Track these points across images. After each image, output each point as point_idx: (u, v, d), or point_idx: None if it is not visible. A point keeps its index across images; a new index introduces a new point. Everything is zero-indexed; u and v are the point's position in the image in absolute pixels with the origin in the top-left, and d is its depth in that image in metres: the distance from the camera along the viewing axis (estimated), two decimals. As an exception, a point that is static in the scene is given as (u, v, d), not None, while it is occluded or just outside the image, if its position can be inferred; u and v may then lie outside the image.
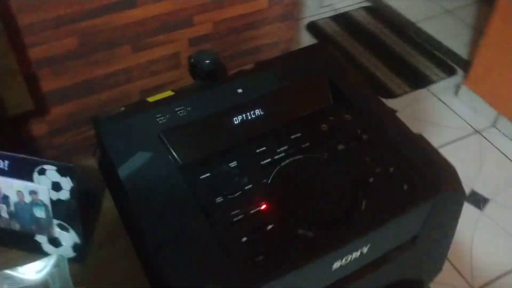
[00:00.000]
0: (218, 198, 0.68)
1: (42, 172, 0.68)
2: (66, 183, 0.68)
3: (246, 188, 0.69)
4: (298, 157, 0.73)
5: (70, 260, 0.73)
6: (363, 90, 0.84)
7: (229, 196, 0.68)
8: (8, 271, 0.71)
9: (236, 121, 0.78)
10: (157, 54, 0.91)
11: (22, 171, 0.69)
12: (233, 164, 0.72)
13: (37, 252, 0.74)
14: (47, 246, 0.73)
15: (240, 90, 0.80)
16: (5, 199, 0.71)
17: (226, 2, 0.92)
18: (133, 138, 0.74)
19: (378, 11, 2.38)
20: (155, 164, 0.71)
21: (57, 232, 0.72)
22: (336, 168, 0.73)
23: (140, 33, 0.88)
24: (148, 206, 0.68)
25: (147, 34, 0.88)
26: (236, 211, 0.67)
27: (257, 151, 0.74)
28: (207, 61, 0.85)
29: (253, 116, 0.79)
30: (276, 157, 0.73)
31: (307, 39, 2.11)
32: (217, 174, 0.71)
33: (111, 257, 0.75)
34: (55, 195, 0.69)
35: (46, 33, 0.78)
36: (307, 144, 0.75)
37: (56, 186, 0.68)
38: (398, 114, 1.75)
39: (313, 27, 2.21)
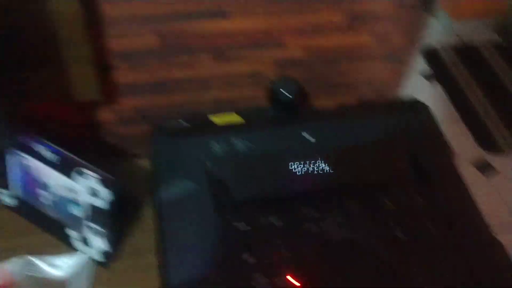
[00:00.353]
0: (245, 254, 0.62)
1: (81, 173, 0.66)
2: (105, 193, 0.66)
3: (279, 251, 0.63)
4: (350, 236, 0.65)
5: (95, 261, 0.72)
6: (451, 174, 0.73)
7: (258, 256, 0.62)
8: (32, 258, 0.71)
9: (293, 169, 0.71)
10: (238, 69, 0.87)
11: (65, 167, 0.68)
12: (274, 219, 0.65)
13: (67, 245, 0.73)
14: (76, 242, 0.73)
15: (309, 135, 0.73)
16: (45, 186, 0.71)
17: (325, 30, 0.84)
18: (181, 161, 0.70)
19: (509, 52, 2.14)
20: (194, 196, 0.67)
21: (88, 233, 0.71)
22: (394, 268, 0.64)
23: (225, 45, 0.83)
24: (175, 240, 0.65)
25: (232, 47, 0.83)
26: (260, 276, 0.61)
27: (306, 212, 0.67)
28: (287, 93, 0.78)
29: (314, 169, 0.72)
30: (323, 226, 0.66)
31: (420, 66, 1.95)
32: (253, 226, 0.65)
33: (136, 268, 0.73)
34: (91, 200, 0.67)
35: (129, 27, 0.76)
36: (364, 220, 0.67)
37: (94, 193, 0.67)
38: (499, 176, 1.58)
39: (430, 53, 2.04)
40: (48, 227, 0.75)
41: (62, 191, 0.70)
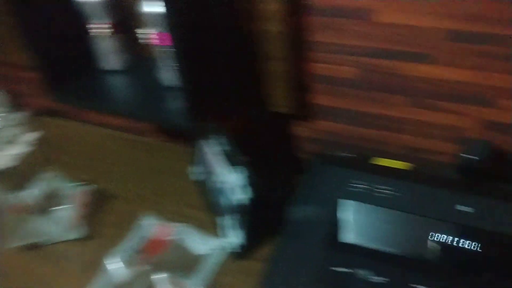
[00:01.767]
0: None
1: (237, 168, 0.74)
2: (248, 191, 0.73)
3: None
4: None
5: (233, 252, 0.79)
6: None
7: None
8: (191, 230, 0.83)
9: (432, 237, 0.63)
10: (436, 119, 0.80)
11: (230, 160, 0.77)
12: (379, 279, 0.60)
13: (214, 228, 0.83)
14: (221, 230, 0.82)
15: (465, 207, 0.64)
16: (215, 173, 0.82)
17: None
18: (321, 188, 0.71)
19: None
20: (317, 225, 0.68)
21: (230, 224, 0.79)
22: None
23: (423, 91, 0.78)
24: (280, 258, 0.67)
25: (431, 95, 0.77)
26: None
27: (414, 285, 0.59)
28: (475, 158, 0.70)
29: (454, 246, 0.62)
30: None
31: None
32: (353, 277, 0.61)
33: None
34: (238, 195, 0.75)
35: (330, 55, 0.80)
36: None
37: (241, 189, 0.74)
38: None
39: None
40: (212, 209, 0.86)
41: (221, 181, 0.80)
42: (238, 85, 0.88)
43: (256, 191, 0.71)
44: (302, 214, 0.70)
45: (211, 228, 0.84)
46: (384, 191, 0.67)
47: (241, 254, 0.78)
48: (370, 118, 0.86)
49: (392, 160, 0.76)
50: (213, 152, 0.83)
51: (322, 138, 0.92)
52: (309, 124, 0.92)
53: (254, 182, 0.70)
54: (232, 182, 0.75)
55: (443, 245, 0.63)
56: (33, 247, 0.86)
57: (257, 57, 0.83)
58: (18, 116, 1.19)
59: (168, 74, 0.86)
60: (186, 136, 1.02)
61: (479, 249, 0.62)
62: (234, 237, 0.78)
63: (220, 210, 0.82)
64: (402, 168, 0.73)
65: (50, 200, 0.93)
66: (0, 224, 0.89)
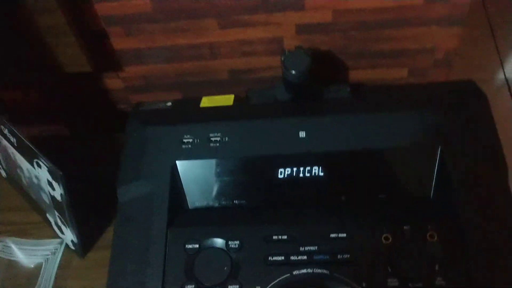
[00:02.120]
0: (189, 286, 0.52)
1: (38, 165, 0.60)
2: (57, 187, 0.60)
3: (229, 287, 0.51)
4: (322, 271, 0.51)
5: (71, 250, 0.68)
6: (498, 197, 0.53)
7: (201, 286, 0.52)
8: (10, 241, 0.69)
9: (279, 175, 0.57)
10: (251, 35, 0.71)
11: (26, 154, 0.62)
12: (233, 243, 0.53)
13: (50, 228, 0.70)
14: (55, 228, 0.69)
15: (304, 134, 0.58)
16: (21, 169, 0.67)
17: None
18: (148, 154, 0.60)
19: None
20: (153, 200, 0.58)
21: (59, 222, 0.66)
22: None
23: (231, 8, 0.68)
24: (121, 246, 0.57)
25: (241, 11, 0.68)
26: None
27: (275, 237, 0.53)
28: (295, 70, 0.62)
29: (304, 178, 0.57)
30: (293, 258, 0.52)
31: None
32: (207, 249, 0.54)
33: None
34: (51, 192, 0.62)
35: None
36: (347, 256, 0.51)
37: (51, 185, 0.61)
38: None
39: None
40: (35, 208, 0.72)
41: (31, 177, 0.65)
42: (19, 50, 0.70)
43: (70, 183, 0.58)
44: (134, 189, 0.59)
45: (43, 229, 0.70)
46: (218, 138, 0.58)
47: (80, 249, 0.66)
48: (182, 50, 0.74)
49: (217, 97, 0.67)
50: (7, 145, 0.66)
51: (138, 85, 0.80)
52: (119, 74, 0.78)
53: (60, 176, 0.57)
54: (40, 177, 0.61)
55: (293, 180, 0.57)
56: None
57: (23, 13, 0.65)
58: None
59: None
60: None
61: (325, 174, 0.57)
62: (67, 234, 0.66)
63: (43, 207, 0.68)
64: (230, 104, 0.65)
65: None
66: None
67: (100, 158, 0.78)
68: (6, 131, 0.64)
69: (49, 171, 0.59)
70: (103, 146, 0.80)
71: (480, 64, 1.07)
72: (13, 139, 0.63)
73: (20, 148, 0.63)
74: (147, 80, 0.80)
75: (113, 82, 0.80)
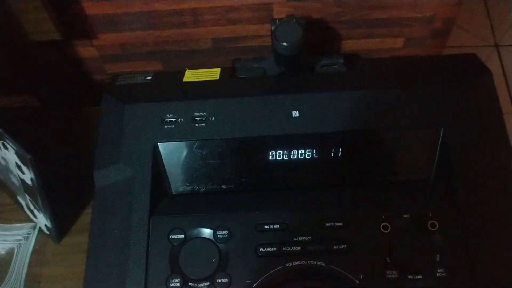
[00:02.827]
0: (174, 280, 0.48)
1: (5, 146, 0.55)
2: (27, 171, 0.55)
3: (217, 281, 0.48)
4: (317, 263, 0.48)
5: (47, 236, 0.63)
6: (501, 180, 0.50)
7: (189, 284, 0.48)
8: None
9: (269, 157, 0.53)
10: (238, 1, 0.66)
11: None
12: (222, 233, 0.50)
13: (23, 211, 0.65)
14: (27, 211, 0.64)
15: (297, 113, 0.54)
16: (-14, 150, 0.62)
17: None
18: (127, 135, 0.55)
19: None
20: (133, 186, 0.53)
21: (32, 205, 0.61)
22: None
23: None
24: (99, 235, 0.52)
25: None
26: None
27: (267, 226, 0.50)
28: (285, 44, 0.57)
29: (297, 161, 0.53)
30: (286, 249, 0.49)
31: None
32: (193, 240, 0.50)
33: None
34: (20, 175, 0.57)
35: None
36: (343, 247, 0.48)
37: (20, 168, 0.56)
38: None
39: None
40: (4, 189, 0.67)
41: (1, 157, 0.60)
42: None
43: (41, 165, 0.53)
44: (112, 173, 0.54)
45: (14, 212, 0.65)
46: (204, 118, 0.54)
47: (55, 234, 0.62)
48: (162, 16, 0.68)
49: (202, 70, 0.62)
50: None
51: (114, 54, 0.74)
52: (92, 42, 0.72)
53: (29, 159, 0.52)
54: (9, 159, 0.56)
55: (285, 162, 0.53)
56: None
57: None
58: None
59: None
60: None
61: (320, 156, 0.54)
62: (40, 218, 0.62)
63: (14, 190, 0.63)
64: (216, 78, 0.60)
65: None
66: None
67: (74, 134, 0.72)
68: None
69: (17, 154, 0.53)
70: (78, 120, 0.75)
71: (470, 31, 1.03)
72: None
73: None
74: (123, 49, 0.74)
75: (86, 50, 0.74)
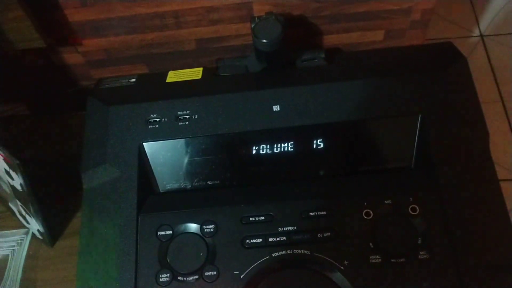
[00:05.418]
0: (163, 275, 0.50)
1: (-7, 153, 0.57)
2: (16, 177, 0.56)
3: (206, 274, 0.50)
4: (302, 252, 0.49)
5: (40, 240, 0.65)
6: (477, 163, 0.52)
7: (179, 278, 0.50)
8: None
9: (252, 151, 0.55)
10: (218, 1, 0.68)
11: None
12: (208, 227, 0.51)
13: (15, 218, 0.67)
14: (19, 217, 0.66)
15: (277, 107, 0.55)
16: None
17: None
18: (112, 136, 0.57)
19: None
20: (120, 185, 0.55)
21: (23, 211, 0.63)
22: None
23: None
24: (90, 237, 0.54)
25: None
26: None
27: (252, 218, 0.52)
28: (265, 38, 0.59)
29: (279, 154, 0.55)
30: (271, 239, 0.50)
31: None
32: (180, 235, 0.52)
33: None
34: (10, 181, 0.58)
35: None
36: (327, 234, 0.50)
37: (9, 174, 0.57)
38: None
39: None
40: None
41: (-13, 165, 0.62)
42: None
43: (31, 170, 0.55)
44: (99, 174, 0.56)
45: (7, 220, 0.67)
46: (187, 116, 0.56)
47: (48, 238, 0.64)
48: (144, 20, 0.70)
49: (184, 70, 0.64)
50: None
51: (99, 59, 0.76)
52: (77, 49, 0.74)
53: (18, 164, 0.53)
54: (-4, 167, 0.58)
55: (268, 156, 0.55)
56: None
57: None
58: None
59: None
60: None
61: (302, 148, 0.55)
62: (32, 224, 0.63)
63: (4, 197, 0.65)
64: (198, 77, 0.62)
65: None
66: None
67: (63, 139, 0.74)
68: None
69: (4, 160, 0.55)
70: (66, 126, 0.77)
71: (455, 23, 1.05)
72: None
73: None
74: (108, 54, 0.76)
75: (72, 57, 0.76)
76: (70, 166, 0.65)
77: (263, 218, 0.51)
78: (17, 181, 0.57)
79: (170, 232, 0.52)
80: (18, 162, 0.54)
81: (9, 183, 0.59)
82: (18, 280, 0.63)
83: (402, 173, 0.54)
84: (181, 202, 0.54)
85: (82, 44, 0.73)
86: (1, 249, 0.65)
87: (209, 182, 0.56)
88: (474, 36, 1.18)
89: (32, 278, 0.63)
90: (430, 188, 0.51)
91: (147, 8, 0.69)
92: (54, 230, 0.64)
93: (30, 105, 0.85)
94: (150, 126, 0.56)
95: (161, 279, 0.50)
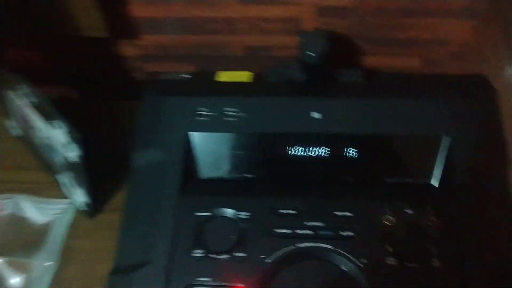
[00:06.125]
0: (197, 251, 0.57)
1: (53, 126, 0.64)
2: (73, 148, 0.64)
3: (235, 254, 0.56)
4: (325, 246, 0.56)
5: (80, 211, 0.72)
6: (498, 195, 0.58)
7: (210, 255, 0.56)
8: (20, 198, 0.73)
9: (290, 152, 0.62)
10: (271, 13, 0.75)
11: (42, 115, 0.66)
12: (243, 214, 0.58)
13: (59, 189, 0.74)
14: (64, 188, 0.73)
15: (318, 115, 0.62)
16: (34, 129, 0.71)
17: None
18: (162, 124, 0.64)
19: None
20: (166, 168, 0.62)
21: (70, 183, 0.70)
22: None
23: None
24: (133, 214, 0.61)
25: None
26: (204, 277, 0.55)
27: (283, 210, 0.58)
28: (312, 51, 0.66)
29: (314, 157, 0.61)
30: (298, 231, 0.57)
31: None
32: (217, 218, 0.58)
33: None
34: (64, 151, 0.66)
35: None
36: (350, 233, 0.56)
37: (66, 146, 0.65)
38: None
39: None
40: (45, 167, 0.76)
41: (45, 137, 0.69)
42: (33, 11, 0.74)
43: (84, 145, 0.62)
44: (148, 156, 0.63)
45: (52, 190, 0.74)
46: (233, 113, 0.63)
47: (90, 211, 0.71)
48: (200, 23, 0.78)
49: (234, 72, 0.71)
50: (24, 104, 0.70)
51: (152, 54, 0.83)
52: (134, 42, 0.82)
53: (78, 137, 0.61)
54: (55, 139, 0.65)
55: (303, 158, 0.62)
56: None
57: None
58: None
59: None
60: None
61: (334, 155, 0.62)
62: (78, 195, 0.70)
63: (54, 168, 0.73)
64: (246, 80, 0.69)
65: None
66: None
67: (111, 125, 0.81)
68: (23, 91, 0.68)
69: (66, 132, 0.63)
70: (112, 112, 0.84)
71: (492, 59, 1.10)
72: (29, 99, 0.67)
73: (36, 108, 0.67)
74: (162, 50, 0.83)
75: (127, 49, 0.84)
76: (116, 150, 0.72)
77: (292, 211, 0.57)
78: (73, 153, 0.64)
79: (207, 214, 0.58)
80: (79, 135, 0.62)
81: (64, 155, 0.67)
82: (59, 246, 0.69)
83: (423, 187, 0.60)
84: (219, 189, 0.61)
85: (140, 39, 0.81)
86: (46, 215, 0.72)
87: (246, 175, 0.63)
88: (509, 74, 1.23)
89: (71, 246, 0.70)
90: (448, 204, 0.57)
91: (204, 12, 0.76)
92: (97, 203, 0.71)
93: (80, 90, 0.93)
94: (198, 118, 0.63)
95: (194, 254, 0.56)
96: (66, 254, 0.69)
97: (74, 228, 0.71)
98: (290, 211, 0.57)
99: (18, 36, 0.81)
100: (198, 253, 0.56)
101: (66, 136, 0.63)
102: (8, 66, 0.72)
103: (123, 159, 0.67)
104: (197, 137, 0.63)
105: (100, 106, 0.85)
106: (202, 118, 0.63)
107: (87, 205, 0.70)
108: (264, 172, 0.62)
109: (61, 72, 0.90)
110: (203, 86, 0.68)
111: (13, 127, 0.80)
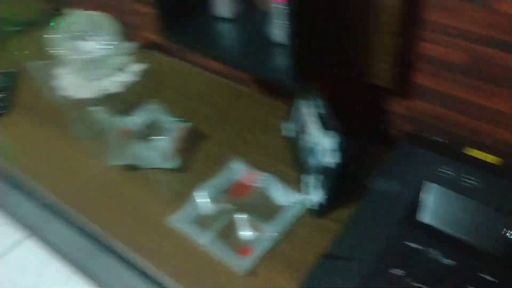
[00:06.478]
0: (396, 270, 0.68)
1: (330, 132, 0.82)
2: (336, 156, 0.81)
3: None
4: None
5: (312, 210, 0.89)
6: None
7: (406, 279, 0.67)
8: (273, 179, 0.94)
9: (505, 233, 0.69)
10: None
11: (323, 124, 0.85)
12: (448, 261, 0.67)
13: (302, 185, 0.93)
14: (305, 186, 0.91)
15: None
16: (305, 133, 0.91)
17: None
18: (407, 167, 0.78)
19: None
20: (396, 199, 0.75)
21: (313, 183, 0.88)
22: None
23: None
24: (358, 223, 0.75)
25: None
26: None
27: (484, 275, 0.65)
28: None
29: None
30: None
31: None
32: (423, 254, 0.69)
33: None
34: (325, 158, 0.83)
35: (441, 36, 0.84)
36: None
37: (329, 153, 0.82)
38: None
39: None
40: (297, 165, 0.96)
41: (313, 141, 0.88)
42: (344, 51, 0.95)
43: (344, 157, 0.79)
44: (385, 187, 0.77)
45: (294, 183, 0.93)
46: (470, 181, 0.73)
47: (319, 212, 0.87)
48: (468, 106, 0.89)
49: (483, 153, 0.80)
50: (309, 113, 0.91)
51: (416, 118, 0.97)
52: (405, 102, 0.97)
53: (344, 148, 0.78)
54: (323, 145, 0.83)
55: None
56: (132, 168, 1.00)
57: (367, 27, 0.88)
58: (128, 46, 1.33)
59: (277, 30, 0.94)
60: (284, 92, 1.10)
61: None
62: (315, 196, 0.87)
63: (306, 168, 0.91)
64: (492, 162, 0.78)
65: (150, 129, 1.06)
66: (107, 142, 1.03)
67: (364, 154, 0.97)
68: (315, 102, 0.88)
69: (337, 142, 0.80)
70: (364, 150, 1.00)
71: None
72: (317, 110, 0.87)
73: (320, 118, 0.86)
74: (424, 118, 0.97)
75: (394, 105, 0.99)
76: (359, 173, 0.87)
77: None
78: (332, 160, 0.81)
79: (418, 246, 0.69)
80: (346, 146, 0.79)
81: (323, 159, 0.84)
82: (285, 225, 0.87)
83: None
84: (432, 233, 0.71)
85: (411, 101, 0.96)
86: (284, 199, 0.91)
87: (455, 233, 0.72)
88: None
89: (292, 231, 0.87)
90: None
91: (479, 99, 0.87)
92: (328, 208, 0.87)
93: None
94: (437, 173, 0.75)
95: (393, 271, 0.67)
96: (287, 234, 0.86)
97: (299, 219, 0.88)
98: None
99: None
100: (397, 271, 0.67)
101: (334, 145, 0.81)
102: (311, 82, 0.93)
103: (358, 184, 0.82)
104: (429, 187, 0.74)
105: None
106: (440, 174, 0.74)
107: (320, 205, 0.86)
108: (475, 239, 0.70)
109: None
110: (452, 151, 0.79)
111: (287, 129, 1.02)
